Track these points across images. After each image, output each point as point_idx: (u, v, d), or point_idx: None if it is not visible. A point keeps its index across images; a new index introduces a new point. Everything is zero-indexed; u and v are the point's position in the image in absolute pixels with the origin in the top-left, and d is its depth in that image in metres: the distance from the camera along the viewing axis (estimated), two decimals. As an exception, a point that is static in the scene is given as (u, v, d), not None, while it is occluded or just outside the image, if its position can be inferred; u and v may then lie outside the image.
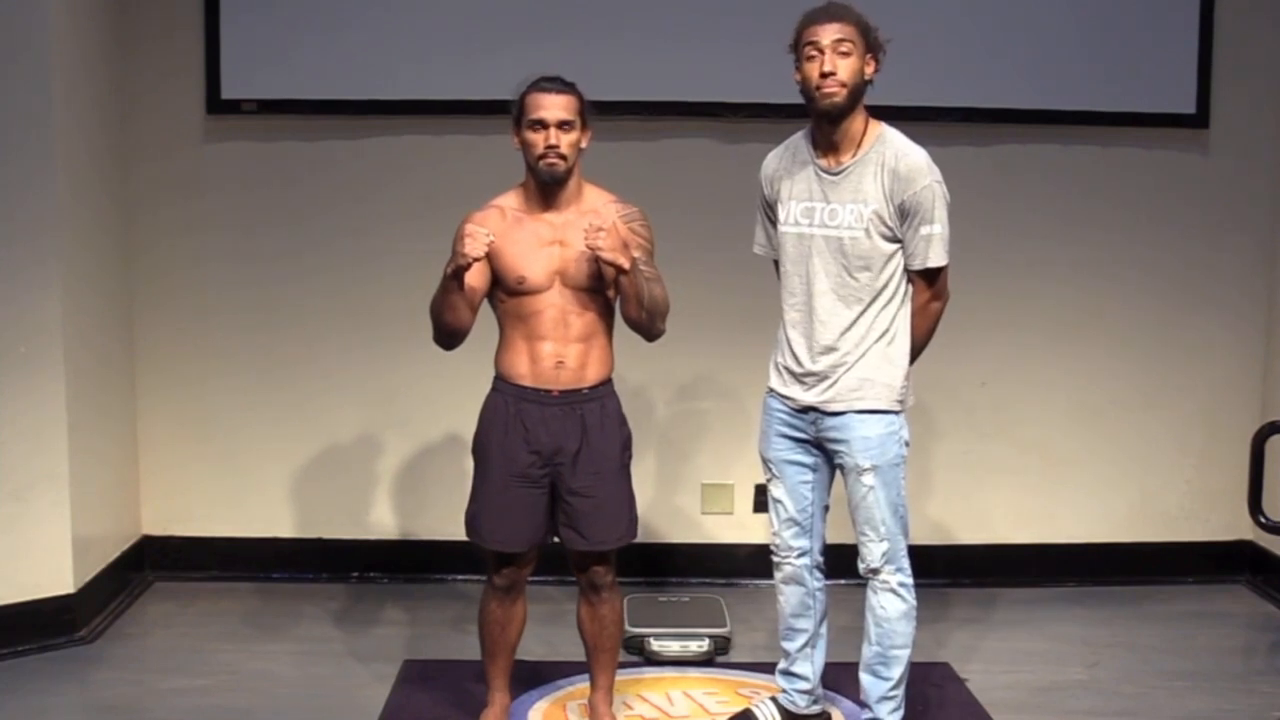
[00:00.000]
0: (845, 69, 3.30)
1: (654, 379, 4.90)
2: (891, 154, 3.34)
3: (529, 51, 4.48)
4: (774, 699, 3.72)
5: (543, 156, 3.35)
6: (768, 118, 4.58)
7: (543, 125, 3.34)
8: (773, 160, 3.56)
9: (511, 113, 3.39)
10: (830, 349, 3.40)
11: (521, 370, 3.42)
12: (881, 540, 3.43)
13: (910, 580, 3.47)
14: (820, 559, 3.62)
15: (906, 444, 3.46)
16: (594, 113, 3.45)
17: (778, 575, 3.64)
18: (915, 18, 4.61)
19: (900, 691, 3.51)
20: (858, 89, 3.33)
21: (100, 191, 4.58)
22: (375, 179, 4.83)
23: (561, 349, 3.41)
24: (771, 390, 3.55)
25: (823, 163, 3.42)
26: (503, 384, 3.46)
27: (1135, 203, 4.94)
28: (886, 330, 3.39)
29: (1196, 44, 4.80)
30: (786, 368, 3.50)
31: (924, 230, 3.31)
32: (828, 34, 3.30)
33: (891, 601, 3.45)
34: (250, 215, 4.84)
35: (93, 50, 4.51)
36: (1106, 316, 4.98)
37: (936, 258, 3.34)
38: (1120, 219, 4.94)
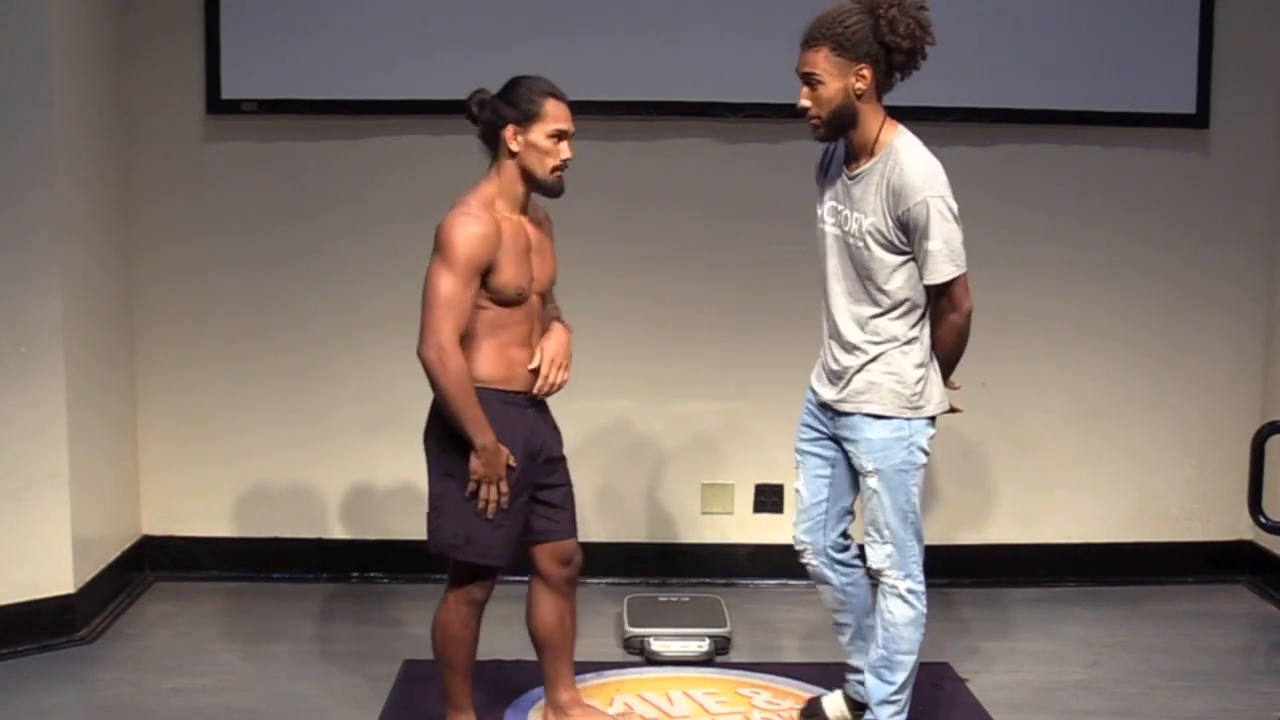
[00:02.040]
0: (817, 100, 3.26)
1: (654, 379, 4.90)
2: (893, 166, 3.26)
3: (529, 51, 4.48)
4: (842, 689, 3.72)
5: (558, 169, 3.33)
6: (768, 118, 4.59)
7: (564, 137, 3.32)
8: (823, 152, 3.51)
9: (515, 110, 3.29)
10: (847, 349, 3.41)
11: (499, 375, 3.38)
12: (885, 543, 3.43)
13: (921, 588, 3.46)
14: (839, 555, 3.60)
15: (925, 452, 3.41)
16: None
17: (808, 572, 3.65)
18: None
19: (904, 696, 3.50)
20: (839, 111, 3.26)
21: (100, 192, 4.58)
22: (375, 179, 4.83)
23: (530, 354, 3.41)
24: (810, 384, 3.58)
25: (847, 166, 3.38)
26: (484, 391, 3.36)
27: (1135, 203, 4.94)
28: (900, 337, 3.35)
29: (1196, 44, 4.80)
30: (823, 363, 3.52)
31: (924, 246, 3.25)
32: (800, 65, 3.28)
33: (899, 607, 3.44)
34: (250, 215, 4.84)
35: (93, 50, 4.51)
36: (1106, 316, 4.98)
37: (936, 274, 3.27)
38: (1120, 219, 4.94)
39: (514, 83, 3.34)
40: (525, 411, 3.40)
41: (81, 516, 4.33)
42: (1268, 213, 4.97)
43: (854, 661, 3.66)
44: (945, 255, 3.25)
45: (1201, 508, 5.07)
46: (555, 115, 3.30)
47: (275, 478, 4.93)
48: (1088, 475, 5.03)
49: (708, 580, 4.95)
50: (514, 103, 3.30)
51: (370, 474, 4.95)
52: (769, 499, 4.95)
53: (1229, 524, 5.02)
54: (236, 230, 4.85)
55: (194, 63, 4.73)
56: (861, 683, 3.63)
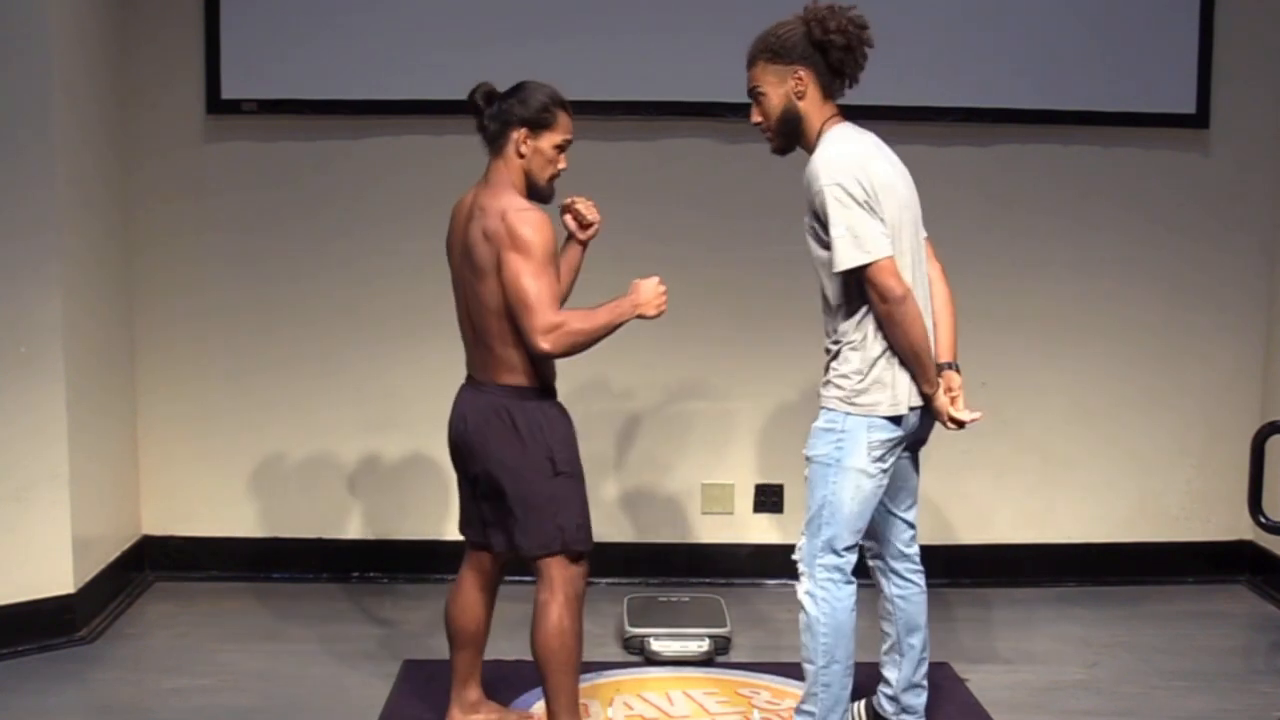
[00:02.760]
0: (765, 113, 3.34)
1: (654, 379, 4.90)
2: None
3: (529, 51, 4.49)
4: (867, 698, 3.69)
5: (554, 177, 3.39)
6: (768, 118, 4.57)
7: (566, 147, 3.37)
8: None
9: (528, 113, 3.31)
10: (824, 353, 3.41)
11: (548, 372, 3.42)
12: (802, 534, 3.37)
13: (822, 592, 3.32)
14: (896, 564, 3.55)
15: (866, 456, 3.28)
16: None
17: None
18: (915, 18, 4.62)
19: (814, 708, 3.38)
20: (784, 118, 3.31)
21: (100, 191, 4.58)
22: (375, 179, 4.83)
23: None
24: None
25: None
26: (549, 391, 3.43)
27: (1135, 203, 4.94)
28: (851, 335, 3.30)
29: (1196, 44, 4.81)
30: None
31: (830, 235, 3.22)
32: (747, 84, 3.36)
33: (800, 612, 3.37)
34: (250, 215, 4.85)
35: (93, 50, 4.51)
36: (1106, 316, 4.98)
37: (839, 260, 3.20)
38: (1120, 219, 4.95)
39: (526, 85, 3.36)
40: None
41: (81, 516, 4.34)
42: (1268, 213, 4.97)
43: (885, 673, 3.62)
44: (848, 241, 3.17)
45: (1201, 508, 5.07)
46: (565, 127, 3.36)
47: (275, 478, 4.93)
48: (1088, 475, 5.03)
49: (708, 580, 4.95)
50: (527, 106, 3.32)
51: (370, 474, 4.95)
52: (769, 499, 4.95)
53: (1229, 524, 5.03)
54: (236, 230, 4.85)
55: (194, 63, 4.73)
56: (889, 695, 3.62)
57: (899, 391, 3.30)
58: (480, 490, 3.45)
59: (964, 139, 4.78)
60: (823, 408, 3.35)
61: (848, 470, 3.30)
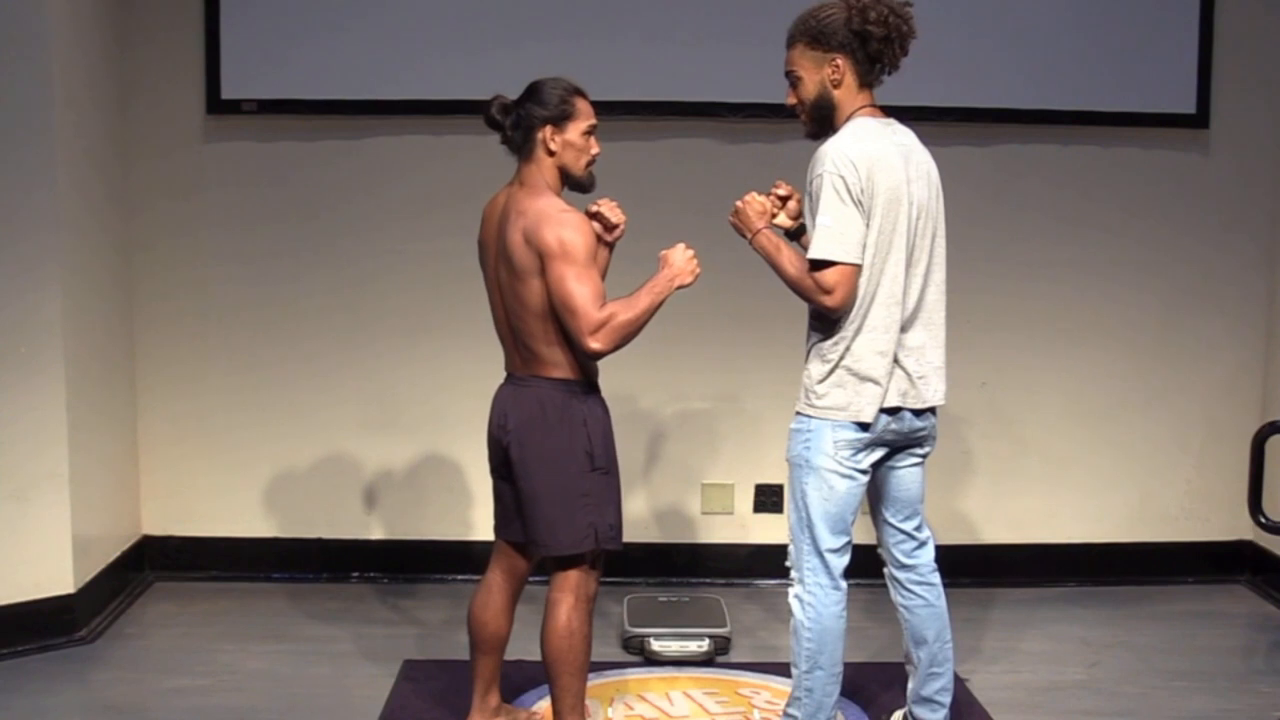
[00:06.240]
0: (800, 97, 3.30)
1: (654, 379, 4.90)
2: None
3: (529, 51, 4.49)
4: (904, 710, 3.62)
5: (590, 163, 3.39)
6: (768, 118, 4.58)
7: (594, 132, 3.37)
8: None
9: (548, 111, 3.31)
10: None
11: (593, 372, 3.41)
12: (789, 537, 3.37)
13: (810, 597, 3.30)
14: (897, 573, 3.50)
15: (829, 457, 3.25)
16: None
17: None
18: (916, 18, 4.60)
19: (798, 712, 3.34)
20: (818, 103, 3.27)
21: (100, 191, 4.58)
22: (375, 179, 4.83)
23: None
24: None
25: None
26: (594, 386, 3.42)
27: (1135, 203, 4.95)
28: (822, 338, 3.27)
29: (1196, 44, 4.81)
30: None
31: (815, 221, 3.19)
32: (785, 65, 3.31)
33: (790, 614, 3.36)
34: (250, 215, 4.85)
35: (93, 50, 4.51)
36: (1106, 316, 4.98)
37: (815, 249, 3.16)
38: (1120, 219, 4.95)
39: (538, 85, 3.36)
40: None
41: (81, 516, 4.34)
42: (1268, 213, 4.97)
43: (910, 683, 3.56)
44: (832, 234, 3.14)
45: (1201, 508, 5.07)
46: (587, 112, 3.37)
47: (275, 478, 4.93)
48: (1087, 475, 5.03)
49: (708, 580, 4.95)
50: (545, 104, 3.33)
51: (371, 474, 4.95)
52: (769, 499, 4.95)
53: (1229, 524, 5.02)
54: (236, 230, 4.85)
55: (194, 63, 4.73)
56: (909, 701, 3.58)
57: (861, 398, 3.25)
58: (518, 488, 3.40)
59: (964, 139, 4.78)
60: (795, 410, 3.34)
61: (817, 469, 3.28)
